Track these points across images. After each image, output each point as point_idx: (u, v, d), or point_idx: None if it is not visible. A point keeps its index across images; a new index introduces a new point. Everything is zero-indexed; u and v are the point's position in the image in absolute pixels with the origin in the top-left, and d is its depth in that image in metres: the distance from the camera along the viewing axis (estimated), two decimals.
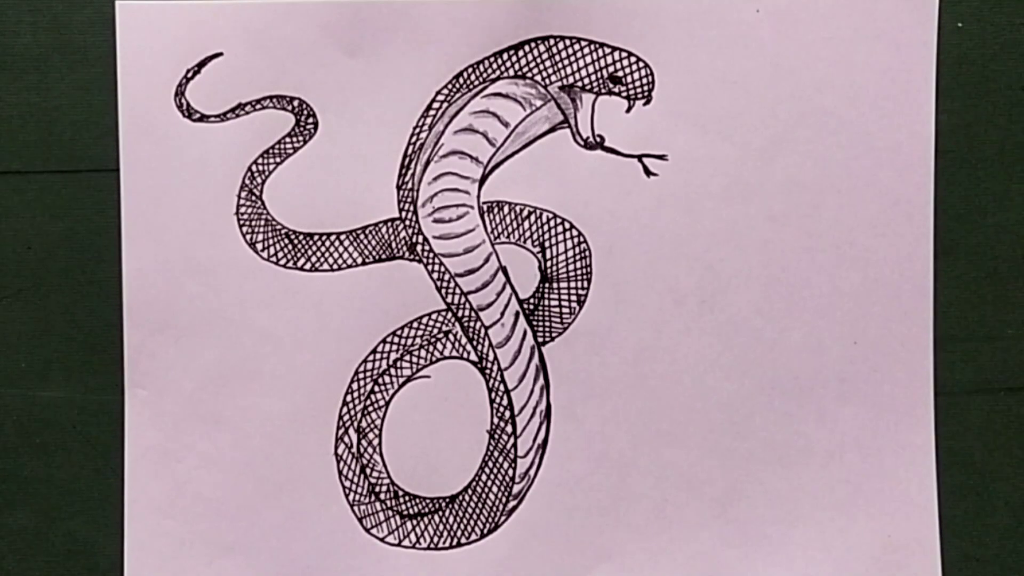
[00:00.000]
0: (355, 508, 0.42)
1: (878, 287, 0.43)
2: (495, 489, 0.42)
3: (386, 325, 0.42)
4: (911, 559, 0.43)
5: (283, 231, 0.42)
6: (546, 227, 0.42)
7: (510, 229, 0.42)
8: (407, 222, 0.42)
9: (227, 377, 0.42)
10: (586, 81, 0.42)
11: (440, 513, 0.43)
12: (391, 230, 0.42)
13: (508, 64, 0.42)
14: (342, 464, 0.42)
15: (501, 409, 0.42)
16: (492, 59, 0.42)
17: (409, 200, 0.42)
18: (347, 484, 0.42)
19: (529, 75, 0.42)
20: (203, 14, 0.41)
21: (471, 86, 0.42)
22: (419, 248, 0.42)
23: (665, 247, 0.42)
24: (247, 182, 0.42)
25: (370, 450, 0.42)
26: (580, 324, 0.42)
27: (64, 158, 0.42)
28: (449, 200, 0.42)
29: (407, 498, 0.43)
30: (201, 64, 0.41)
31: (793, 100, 0.42)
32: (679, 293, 0.42)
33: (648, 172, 0.42)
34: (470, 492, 0.42)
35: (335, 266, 0.42)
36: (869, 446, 0.43)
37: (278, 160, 0.42)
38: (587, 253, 0.42)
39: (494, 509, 0.42)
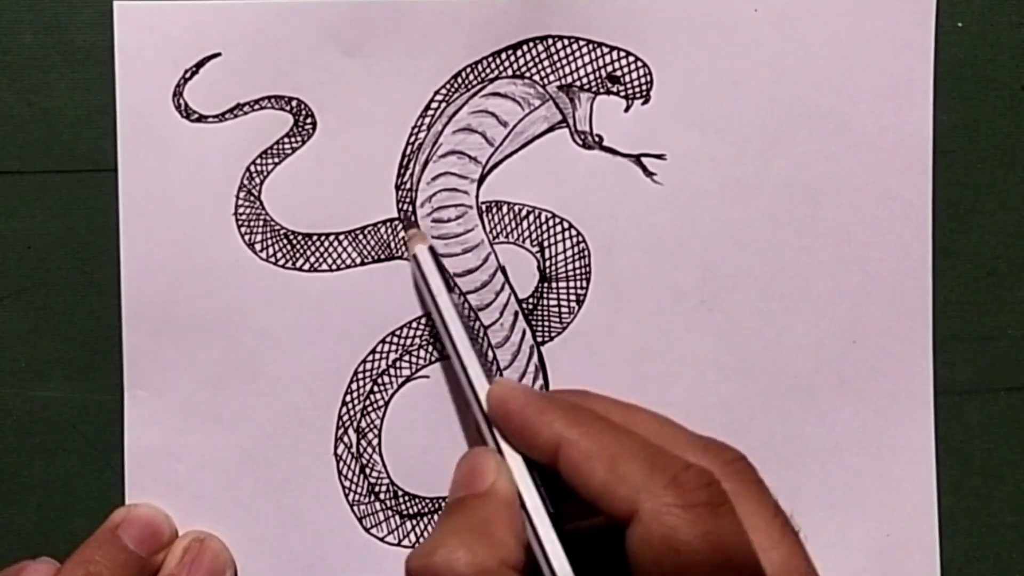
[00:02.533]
0: (355, 508, 0.42)
1: (878, 287, 0.42)
2: None
3: (385, 325, 0.42)
4: (910, 558, 0.43)
5: (282, 231, 0.42)
6: (545, 227, 0.42)
7: (509, 229, 0.42)
8: (406, 222, 0.42)
9: (227, 377, 0.42)
10: (584, 81, 0.42)
11: (440, 513, 0.43)
12: (390, 230, 0.42)
13: (507, 64, 0.42)
14: (342, 464, 0.42)
15: None
16: (491, 59, 0.42)
17: (408, 200, 0.42)
18: (347, 484, 0.42)
19: (527, 75, 0.42)
20: (201, 14, 0.41)
21: (469, 86, 0.42)
22: None
23: (664, 247, 0.42)
24: (245, 182, 0.42)
25: (369, 450, 0.42)
26: (579, 324, 0.42)
27: (64, 158, 0.42)
28: (448, 200, 0.42)
29: (407, 498, 0.43)
30: (199, 64, 0.41)
31: (791, 100, 0.42)
32: (678, 293, 0.42)
33: (647, 172, 0.42)
34: None
35: (334, 266, 0.42)
36: (869, 446, 0.43)
37: (277, 160, 0.42)
38: (586, 253, 0.42)
39: None
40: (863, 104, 0.42)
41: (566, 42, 0.42)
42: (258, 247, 0.42)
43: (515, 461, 0.35)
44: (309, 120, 0.42)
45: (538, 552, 0.33)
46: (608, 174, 0.42)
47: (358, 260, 0.42)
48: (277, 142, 0.42)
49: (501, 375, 0.42)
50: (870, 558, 0.42)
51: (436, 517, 0.43)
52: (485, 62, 0.42)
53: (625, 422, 0.33)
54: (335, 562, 0.42)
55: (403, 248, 0.42)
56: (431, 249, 0.40)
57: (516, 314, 0.42)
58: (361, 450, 0.42)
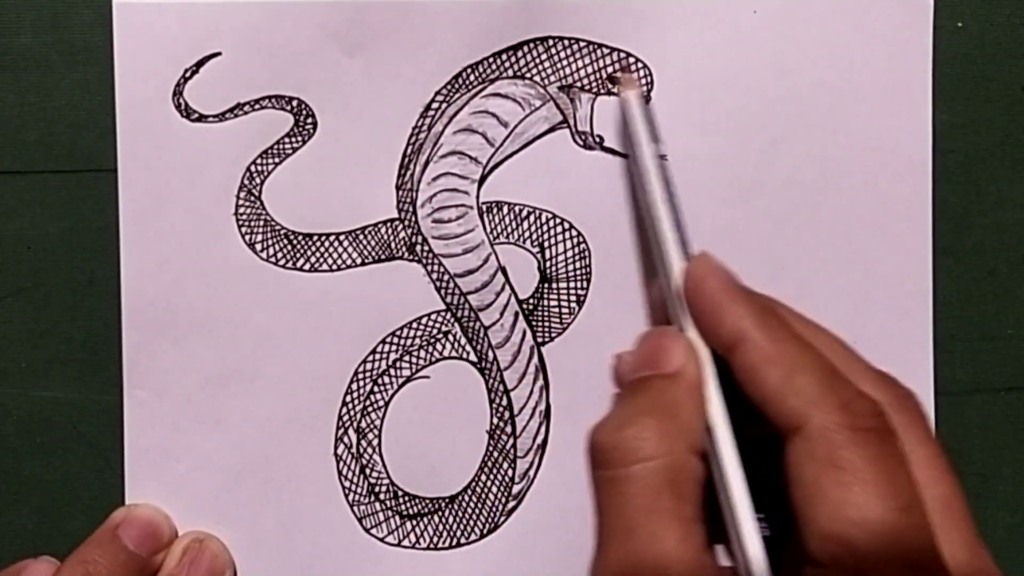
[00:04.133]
0: (355, 508, 0.42)
1: (878, 287, 0.42)
2: (495, 489, 0.42)
3: (385, 325, 0.42)
4: None
5: (282, 231, 0.42)
6: (545, 227, 0.42)
7: (509, 229, 0.42)
8: (406, 222, 0.42)
9: (227, 377, 0.42)
10: (585, 81, 0.42)
11: (440, 513, 0.43)
12: (390, 230, 0.42)
13: (507, 64, 0.42)
14: (342, 464, 0.42)
15: (500, 409, 0.42)
16: (491, 59, 0.42)
17: (408, 200, 0.42)
18: (347, 484, 0.42)
19: (528, 75, 0.42)
20: (201, 13, 0.41)
21: (470, 86, 0.42)
22: (418, 248, 0.42)
23: None
24: (246, 182, 0.42)
25: (370, 450, 0.42)
26: (580, 324, 0.42)
27: (64, 158, 0.42)
28: (448, 200, 0.42)
29: (407, 498, 0.43)
30: (199, 64, 0.41)
31: (791, 100, 0.42)
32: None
33: None
34: (469, 492, 0.42)
35: (334, 266, 0.42)
36: None
37: (277, 160, 0.42)
38: (586, 253, 0.42)
39: (494, 509, 0.42)
40: (863, 104, 0.42)
41: (566, 43, 0.42)
42: (258, 247, 0.42)
43: (703, 350, 0.34)
44: (310, 120, 0.42)
45: (710, 447, 0.32)
46: (609, 175, 0.42)
47: (358, 260, 0.42)
48: (277, 142, 0.42)
49: (502, 377, 0.42)
50: None
51: (436, 517, 0.43)
52: (486, 63, 0.42)
53: (808, 337, 0.33)
54: (335, 562, 0.42)
55: (403, 249, 0.42)
56: (645, 96, 0.39)
57: (516, 315, 0.42)
58: (361, 450, 0.42)
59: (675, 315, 0.35)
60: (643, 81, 0.42)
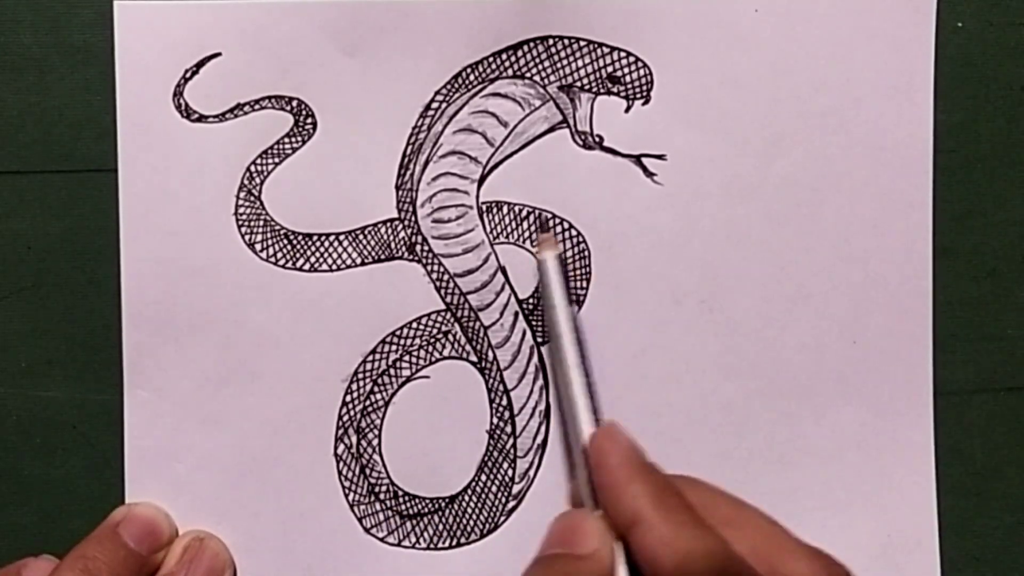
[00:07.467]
0: (355, 508, 0.42)
1: (878, 287, 0.42)
2: (495, 489, 0.42)
3: (385, 325, 0.42)
4: (910, 558, 0.43)
5: (282, 231, 0.42)
6: (545, 227, 0.42)
7: (509, 229, 0.42)
8: (406, 222, 0.42)
9: (227, 377, 0.42)
10: (585, 81, 0.42)
11: (440, 513, 0.43)
12: (390, 230, 0.42)
13: (507, 64, 0.42)
14: (342, 464, 0.42)
15: (500, 409, 0.42)
16: (491, 59, 0.42)
17: (408, 200, 0.42)
18: (347, 484, 0.42)
19: (528, 75, 0.42)
20: (202, 14, 0.41)
21: (470, 86, 0.42)
22: (418, 248, 0.42)
23: (665, 247, 0.42)
24: (246, 182, 0.42)
25: (370, 450, 0.42)
26: (579, 324, 0.42)
27: (64, 158, 0.42)
28: (448, 200, 0.42)
29: (407, 498, 0.43)
30: (200, 64, 0.41)
31: (792, 100, 0.42)
32: (679, 293, 0.42)
33: (647, 172, 0.42)
34: (469, 492, 0.42)
35: (334, 266, 0.42)
36: (869, 446, 0.43)
37: (277, 160, 0.42)
38: (586, 253, 0.42)
39: (494, 509, 0.42)
40: (863, 104, 0.42)
41: (566, 42, 0.42)
42: (258, 247, 0.42)
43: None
44: (309, 120, 0.42)
45: None
46: (608, 174, 0.42)
47: (358, 260, 0.42)
48: (277, 142, 0.42)
49: (502, 377, 0.42)
50: (870, 558, 0.42)
51: (436, 517, 0.43)
52: (486, 62, 0.42)
53: (731, 519, 0.33)
54: (335, 562, 0.42)
55: (402, 249, 0.42)
56: (559, 258, 0.40)
57: (516, 314, 0.42)
58: (361, 450, 0.42)
59: (584, 487, 0.36)
60: (643, 81, 0.42)
